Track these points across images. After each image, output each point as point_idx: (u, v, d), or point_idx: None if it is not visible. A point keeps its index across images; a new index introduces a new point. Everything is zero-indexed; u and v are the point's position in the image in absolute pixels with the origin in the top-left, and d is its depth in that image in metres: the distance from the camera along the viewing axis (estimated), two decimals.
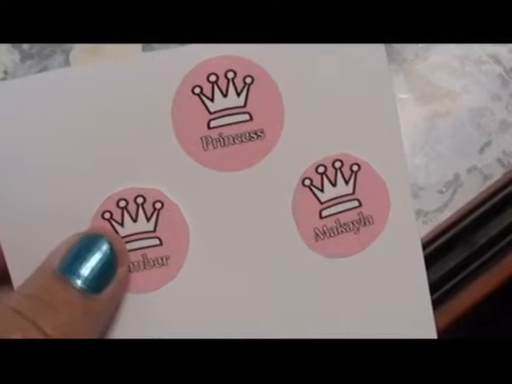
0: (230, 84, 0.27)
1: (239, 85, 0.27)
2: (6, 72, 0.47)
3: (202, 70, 0.27)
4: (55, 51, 0.48)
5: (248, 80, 0.27)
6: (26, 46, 0.48)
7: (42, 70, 0.47)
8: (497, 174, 0.49)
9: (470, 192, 0.49)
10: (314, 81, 0.27)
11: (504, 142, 0.49)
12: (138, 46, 0.48)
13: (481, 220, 0.49)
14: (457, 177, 0.48)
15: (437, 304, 0.48)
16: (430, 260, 0.49)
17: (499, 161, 0.49)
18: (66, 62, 0.48)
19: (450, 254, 0.49)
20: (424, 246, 0.48)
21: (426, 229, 0.48)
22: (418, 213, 0.48)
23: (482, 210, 0.49)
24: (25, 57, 0.48)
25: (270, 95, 0.27)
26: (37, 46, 0.48)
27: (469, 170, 0.49)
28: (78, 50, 0.48)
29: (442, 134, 0.49)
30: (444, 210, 0.49)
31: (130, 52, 0.48)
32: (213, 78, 0.27)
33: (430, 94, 0.50)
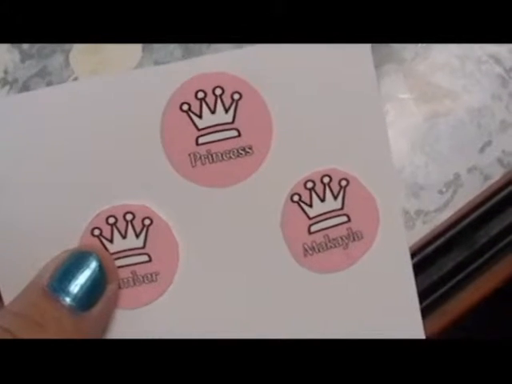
0: (218, 100, 0.27)
1: (227, 101, 0.27)
2: (5, 72, 0.47)
3: (189, 87, 0.27)
4: (55, 51, 0.48)
5: (236, 96, 0.27)
6: (25, 45, 0.48)
7: (41, 70, 0.47)
8: (497, 174, 0.49)
9: (470, 192, 0.49)
10: (301, 95, 0.27)
11: (504, 141, 0.49)
12: (137, 46, 0.48)
13: (481, 220, 0.49)
14: (457, 176, 0.48)
15: (436, 304, 0.48)
16: (430, 260, 0.49)
17: (499, 161, 0.49)
18: (66, 62, 0.48)
19: (450, 253, 0.49)
20: (424, 246, 0.48)
21: (426, 229, 0.48)
22: (418, 213, 0.48)
23: (482, 209, 0.49)
24: (25, 57, 0.48)
25: (258, 111, 0.27)
26: (37, 46, 0.48)
27: (469, 170, 0.49)
28: (78, 50, 0.48)
29: (442, 134, 0.49)
30: (444, 210, 0.49)
31: (130, 52, 0.48)
32: (201, 95, 0.27)
33: (429, 94, 0.49)
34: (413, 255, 0.46)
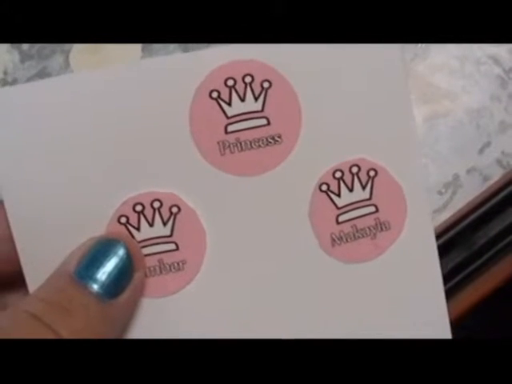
0: (248, 88, 0.27)
1: (257, 89, 0.27)
2: (5, 72, 0.47)
3: (219, 75, 0.27)
4: (55, 51, 0.48)
5: (265, 84, 0.27)
6: (25, 46, 0.47)
7: (41, 71, 0.47)
8: (496, 175, 0.49)
9: (469, 193, 0.49)
10: (331, 85, 0.27)
11: (503, 142, 0.49)
12: (137, 46, 0.48)
13: (480, 221, 0.49)
14: (456, 177, 0.49)
15: None
16: None
17: (498, 161, 0.49)
18: (66, 63, 0.47)
19: (449, 254, 0.49)
20: None
21: None
22: None
23: (481, 210, 0.49)
24: (24, 57, 0.48)
25: (288, 100, 0.27)
26: (36, 47, 0.48)
27: (468, 171, 0.49)
28: (78, 50, 0.48)
29: (442, 135, 0.49)
30: (443, 211, 0.49)
31: (130, 52, 0.48)
32: (230, 83, 0.27)
33: (429, 95, 0.50)
34: None
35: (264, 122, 0.27)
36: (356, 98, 0.27)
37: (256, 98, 0.27)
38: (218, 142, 0.27)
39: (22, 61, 0.48)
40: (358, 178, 0.28)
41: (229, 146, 0.27)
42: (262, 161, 0.27)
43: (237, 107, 0.27)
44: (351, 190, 0.28)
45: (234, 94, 0.27)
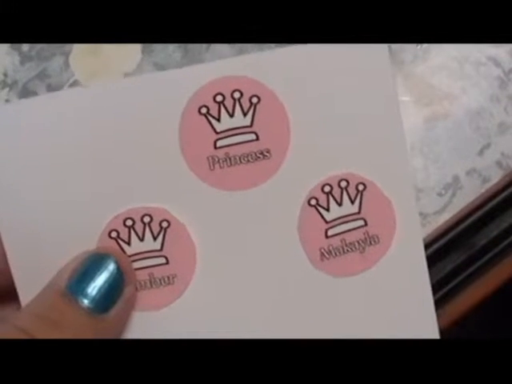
0: (237, 104, 0.27)
1: (245, 105, 0.27)
2: (5, 74, 0.47)
3: (208, 90, 0.27)
4: (55, 53, 0.48)
5: (254, 100, 0.27)
6: (25, 48, 0.48)
7: (41, 72, 0.47)
8: (496, 177, 0.49)
9: (469, 194, 0.49)
10: (319, 101, 0.28)
11: (503, 144, 0.49)
12: (137, 49, 0.48)
13: (480, 222, 0.49)
14: (456, 179, 0.49)
15: (435, 306, 0.48)
16: (429, 263, 0.49)
17: (498, 163, 0.49)
18: (66, 64, 0.48)
19: (448, 256, 0.49)
20: None
21: (425, 231, 0.49)
22: None
23: (481, 212, 0.49)
24: (24, 59, 0.48)
25: (277, 115, 0.27)
26: (36, 48, 0.48)
27: (468, 173, 0.49)
28: (78, 52, 0.48)
29: (441, 136, 0.49)
30: (443, 213, 0.49)
31: (130, 54, 0.48)
32: (219, 98, 0.27)
33: (428, 96, 0.50)
34: None
35: (253, 137, 0.27)
36: (344, 113, 0.28)
37: (245, 114, 0.27)
38: (208, 157, 0.27)
39: (22, 62, 0.48)
40: (347, 192, 0.28)
41: (218, 161, 0.27)
42: (251, 176, 0.27)
43: (226, 123, 0.27)
44: (340, 204, 0.28)
45: (222, 109, 0.27)
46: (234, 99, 0.27)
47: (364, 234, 0.28)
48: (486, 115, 0.49)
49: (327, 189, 0.28)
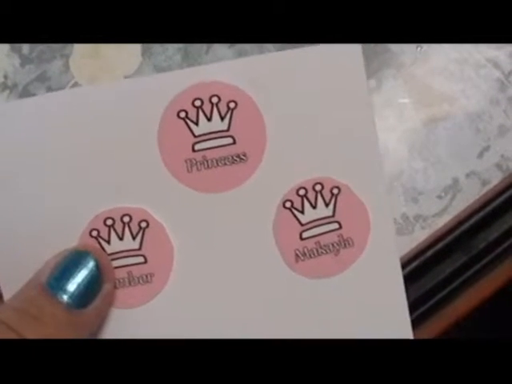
0: (215, 108, 0.28)
1: (223, 109, 0.28)
2: (5, 76, 0.48)
3: (187, 95, 0.28)
4: (55, 56, 0.48)
5: (232, 105, 0.28)
6: (25, 50, 0.48)
7: (41, 75, 0.48)
8: (495, 179, 0.49)
9: (468, 197, 0.49)
10: (295, 106, 0.28)
11: (502, 146, 0.49)
12: (137, 51, 0.49)
13: (480, 225, 0.49)
14: (455, 181, 0.49)
15: (435, 309, 0.48)
16: (429, 265, 0.49)
17: (498, 165, 0.49)
18: (66, 67, 0.48)
19: (448, 258, 0.49)
20: (422, 251, 0.48)
21: (425, 234, 0.49)
22: (417, 218, 0.49)
23: (480, 214, 0.49)
24: (24, 61, 0.48)
25: (253, 120, 0.28)
26: (36, 51, 0.48)
27: (467, 175, 0.49)
28: (78, 54, 0.49)
29: (441, 139, 0.49)
30: (443, 215, 0.49)
31: (130, 56, 0.49)
32: (198, 103, 0.28)
33: (428, 99, 0.50)
34: (411, 260, 0.46)
35: (230, 140, 0.28)
36: (320, 117, 0.28)
37: (222, 118, 0.28)
38: (186, 160, 0.28)
39: (22, 65, 0.49)
40: (322, 195, 0.28)
41: (196, 163, 0.28)
42: (228, 178, 0.28)
43: (204, 127, 0.28)
44: (314, 207, 0.28)
45: (201, 113, 0.28)
46: (212, 104, 0.28)
47: (338, 236, 0.29)
48: (486, 117, 0.49)
49: (302, 192, 0.28)
